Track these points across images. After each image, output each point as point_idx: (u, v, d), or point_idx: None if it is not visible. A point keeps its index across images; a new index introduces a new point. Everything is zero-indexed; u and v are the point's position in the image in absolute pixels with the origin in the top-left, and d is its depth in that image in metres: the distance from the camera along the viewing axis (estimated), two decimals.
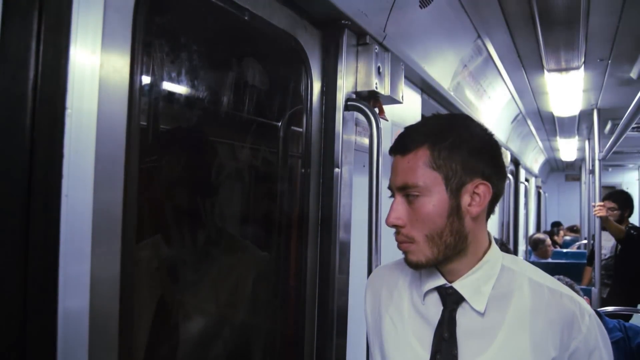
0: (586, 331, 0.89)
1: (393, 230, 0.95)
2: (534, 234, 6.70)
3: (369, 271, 1.43)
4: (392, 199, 0.95)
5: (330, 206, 1.44)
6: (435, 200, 0.89)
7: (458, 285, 0.94)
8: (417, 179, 0.90)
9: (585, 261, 5.39)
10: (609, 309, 2.93)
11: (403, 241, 0.93)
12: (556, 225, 8.20)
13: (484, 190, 0.91)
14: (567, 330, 0.89)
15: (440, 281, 0.95)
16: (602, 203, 4.16)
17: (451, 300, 0.94)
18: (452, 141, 0.90)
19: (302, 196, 1.43)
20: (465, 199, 0.91)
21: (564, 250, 7.10)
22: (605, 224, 4.21)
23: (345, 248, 1.49)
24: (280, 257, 1.50)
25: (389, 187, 0.97)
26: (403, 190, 0.92)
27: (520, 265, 0.98)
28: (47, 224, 0.70)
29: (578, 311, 0.90)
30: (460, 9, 2.10)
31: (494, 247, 0.98)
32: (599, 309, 2.47)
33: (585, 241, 6.87)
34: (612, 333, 1.97)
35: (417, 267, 0.94)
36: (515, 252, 5.79)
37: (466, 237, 0.92)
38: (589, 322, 0.90)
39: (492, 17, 2.32)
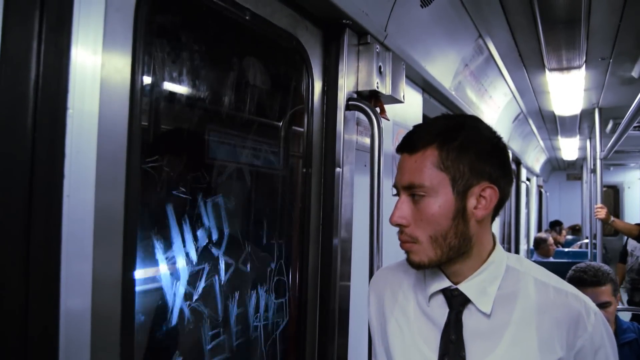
0: (592, 329, 0.89)
1: (394, 229, 0.95)
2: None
3: (370, 270, 1.43)
4: (396, 198, 0.94)
5: (332, 206, 1.44)
6: (441, 201, 0.88)
7: (463, 287, 0.93)
8: (423, 179, 0.89)
9: (587, 260, 5.38)
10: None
11: (406, 241, 0.92)
12: (557, 224, 8.13)
13: (490, 193, 0.90)
14: (573, 329, 0.89)
15: (445, 283, 0.95)
16: (602, 205, 4.14)
17: (457, 302, 0.93)
18: (461, 142, 0.89)
19: (303, 196, 1.43)
20: (472, 202, 0.90)
21: (566, 249, 7.09)
22: (612, 226, 4.17)
23: (347, 247, 1.48)
24: (282, 256, 1.50)
25: (394, 186, 0.96)
26: (409, 189, 0.91)
27: (525, 265, 0.98)
28: (49, 224, 0.70)
29: (584, 310, 0.90)
30: (462, 8, 2.10)
31: (499, 248, 0.97)
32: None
33: (586, 240, 6.85)
34: (625, 334, 1.98)
35: (419, 267, 0.93)
36: (517, 252, 5.78)
37: (470, 239, 0.91)
38: (595, 321, 0.90)
39: (493, 16, 2.32)
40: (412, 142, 0.93)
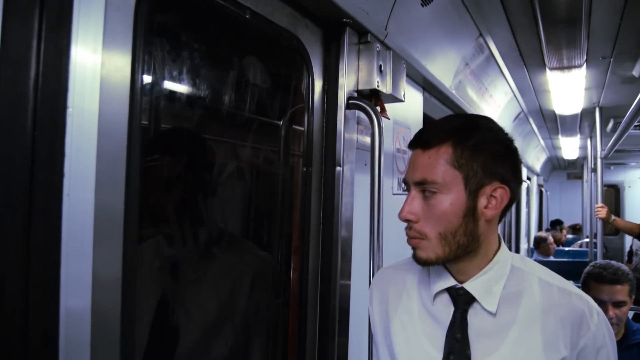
0: (595, 329, 0.90)
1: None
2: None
3: (371, 269, 1.43)
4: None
5: (332, 205, 1.44)
6: (452, 198, 0.89)
7: (469, 285, 0.93)
8: (437, 175, 0.89)
9: (587, 259, 5.38)
10: None
11: (414, 237, 0.92)
12: (558, 223, 8.11)
13: (501, 194, 0.91)
14: (577, 329, 0.90)
15: (451, 282, 0.95)
16: (602, 204, 4.13)
17: (462, 300, 0.94)
18: (476, 142, 0.90)
19: (303, 195, 1.43)
20: (482, 201, 0.90)
21: (566, 249, 7.09)
22: (613, 225, 4.17)
23: (347, 246, 1.48)
24: (282, 255, 1.50)
25: (404, 181, 0.96)
26: (420, 185, 0.91)
27: (529, 265, 0.99)
28: (49, 223, 0.70)
29: (587, 309, 0.91)
30: (462, 7, 2.09)
31: (504, 248, 0.98)
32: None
33: (587, 239, 6.85)
34: (635, 335, 1.97)
35: (426, 264, 0.93)
36: (517, 251, 5.78)
37: (479, 238, 0.92)
38: (597, 320, 0.91)
39: (494, 15, 2.31)
40: (426, 138, 0.93)
